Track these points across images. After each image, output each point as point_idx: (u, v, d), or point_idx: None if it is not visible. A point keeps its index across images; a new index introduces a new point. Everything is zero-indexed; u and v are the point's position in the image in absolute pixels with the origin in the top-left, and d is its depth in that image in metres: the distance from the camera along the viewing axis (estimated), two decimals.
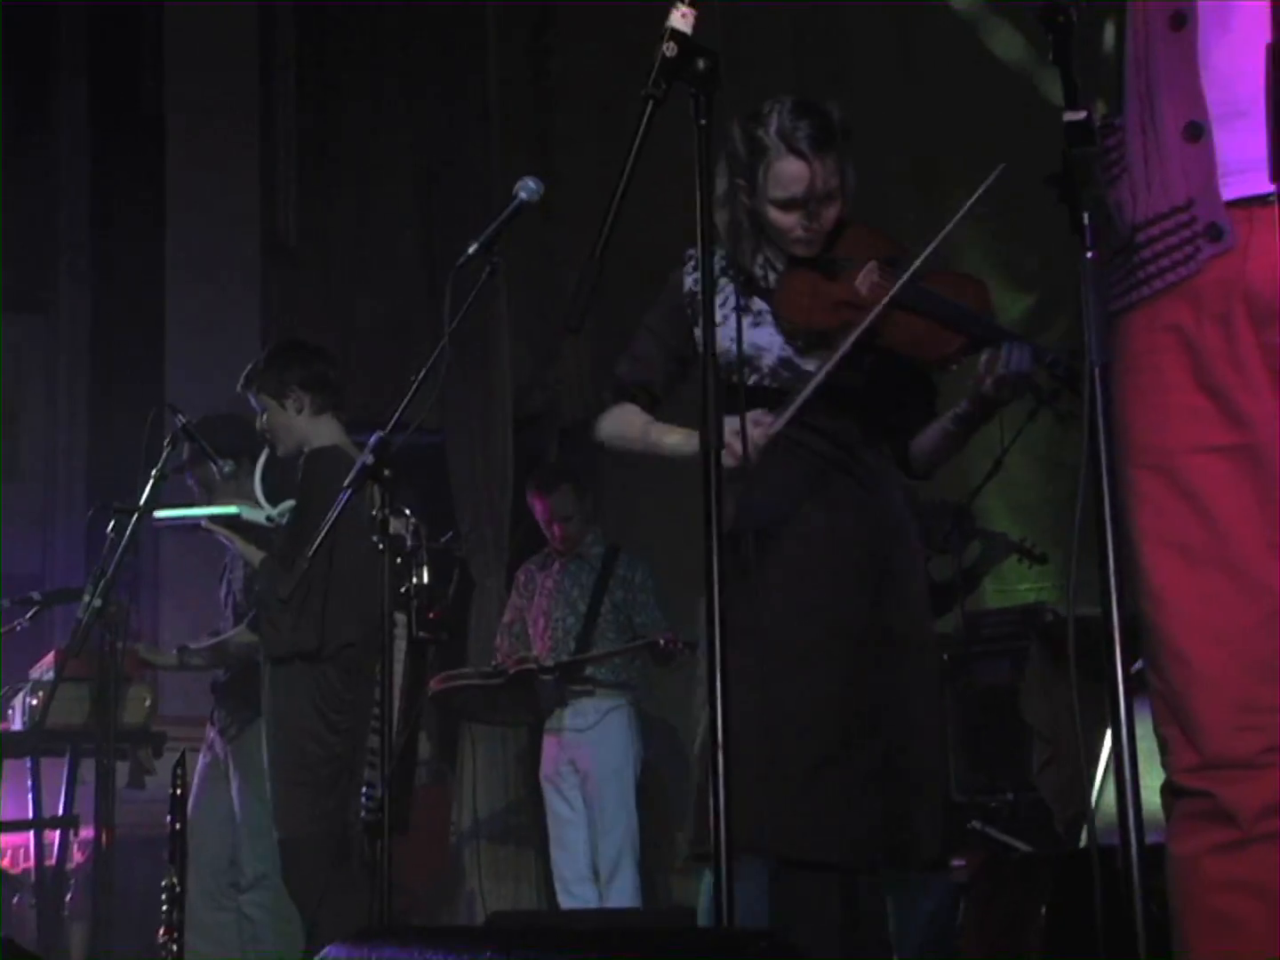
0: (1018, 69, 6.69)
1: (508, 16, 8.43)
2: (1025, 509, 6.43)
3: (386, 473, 3.54)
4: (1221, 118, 2.06)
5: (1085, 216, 1.86)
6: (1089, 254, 1.86)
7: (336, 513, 3.56)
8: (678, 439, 3.57)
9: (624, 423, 3.70)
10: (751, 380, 3.54)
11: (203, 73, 9.03)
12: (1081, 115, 1.90)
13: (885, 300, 3.40)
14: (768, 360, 3.58)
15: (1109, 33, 2.14)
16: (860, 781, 3.39)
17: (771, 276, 3.61)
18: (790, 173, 3.52)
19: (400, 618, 3.60)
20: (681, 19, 2.42)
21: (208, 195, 8.91)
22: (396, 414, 3.65)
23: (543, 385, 8.39)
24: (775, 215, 3.56)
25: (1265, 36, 2.01)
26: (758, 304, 3.61)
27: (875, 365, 3.55)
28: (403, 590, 3.53)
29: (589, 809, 6.48)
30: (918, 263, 3.38)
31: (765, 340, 3.58)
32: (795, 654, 3.43)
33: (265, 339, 8.71)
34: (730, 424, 2.90)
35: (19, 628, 5.87)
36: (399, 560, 3.53)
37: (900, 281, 3.38)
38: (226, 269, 8.91)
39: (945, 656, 6.21)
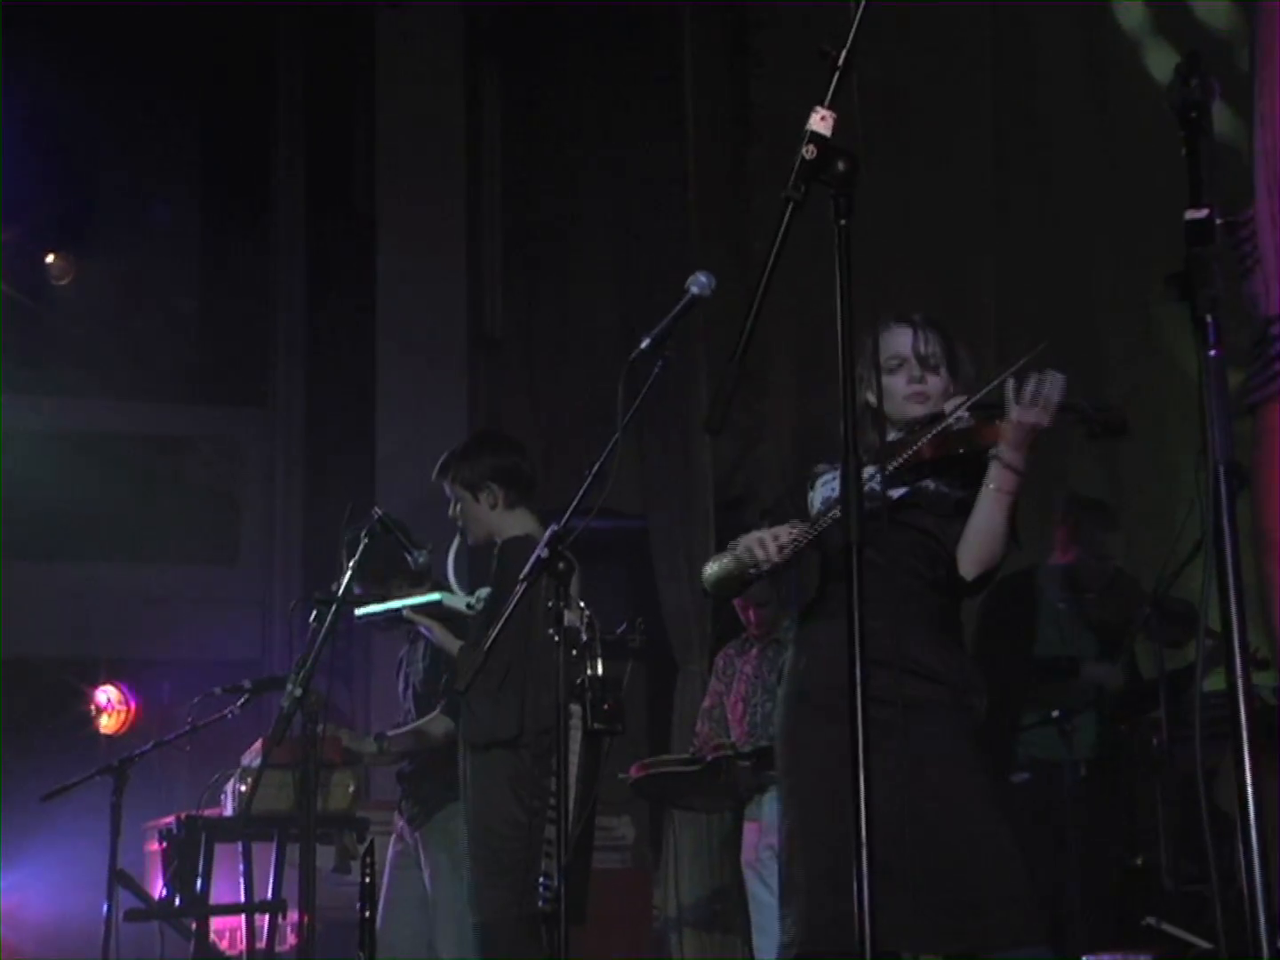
0: (1131, 37, 6.71)
1: (706, 106, 8.55)
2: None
3: (561, 565, 3.60)
4: None
5: (1207, 316, 1.84)
6: (1211, 352, 1.85)
7: (513, 605, 3.63)
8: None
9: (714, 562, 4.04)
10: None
11: (412, 171, 9.30)
12: (1203, 213, 1.89)
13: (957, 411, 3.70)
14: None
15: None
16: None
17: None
18: (896, 337, 3.94)
19: (576, 709, 3.65)
20: (821, 122, 2.45)
21: (416, 288, 9.15)
22: (572, 505, 3.71)
23: (744, 469, 8.44)
24: (887, 381, 3.89)
25: None
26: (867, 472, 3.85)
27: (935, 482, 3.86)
28: (578, 682, 3.58)
29: None
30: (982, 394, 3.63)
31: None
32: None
33: (472, 427, 8.89)
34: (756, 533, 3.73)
35: (230, 715, 6.01)
36: (574, 652, 3.58)
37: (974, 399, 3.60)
38: (434, 360, 9.13)
39: (1155, 741, 6.10)
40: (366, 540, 5.25)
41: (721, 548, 7.77)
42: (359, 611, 5.36)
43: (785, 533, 3.75)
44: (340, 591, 5.04)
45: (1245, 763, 1.79)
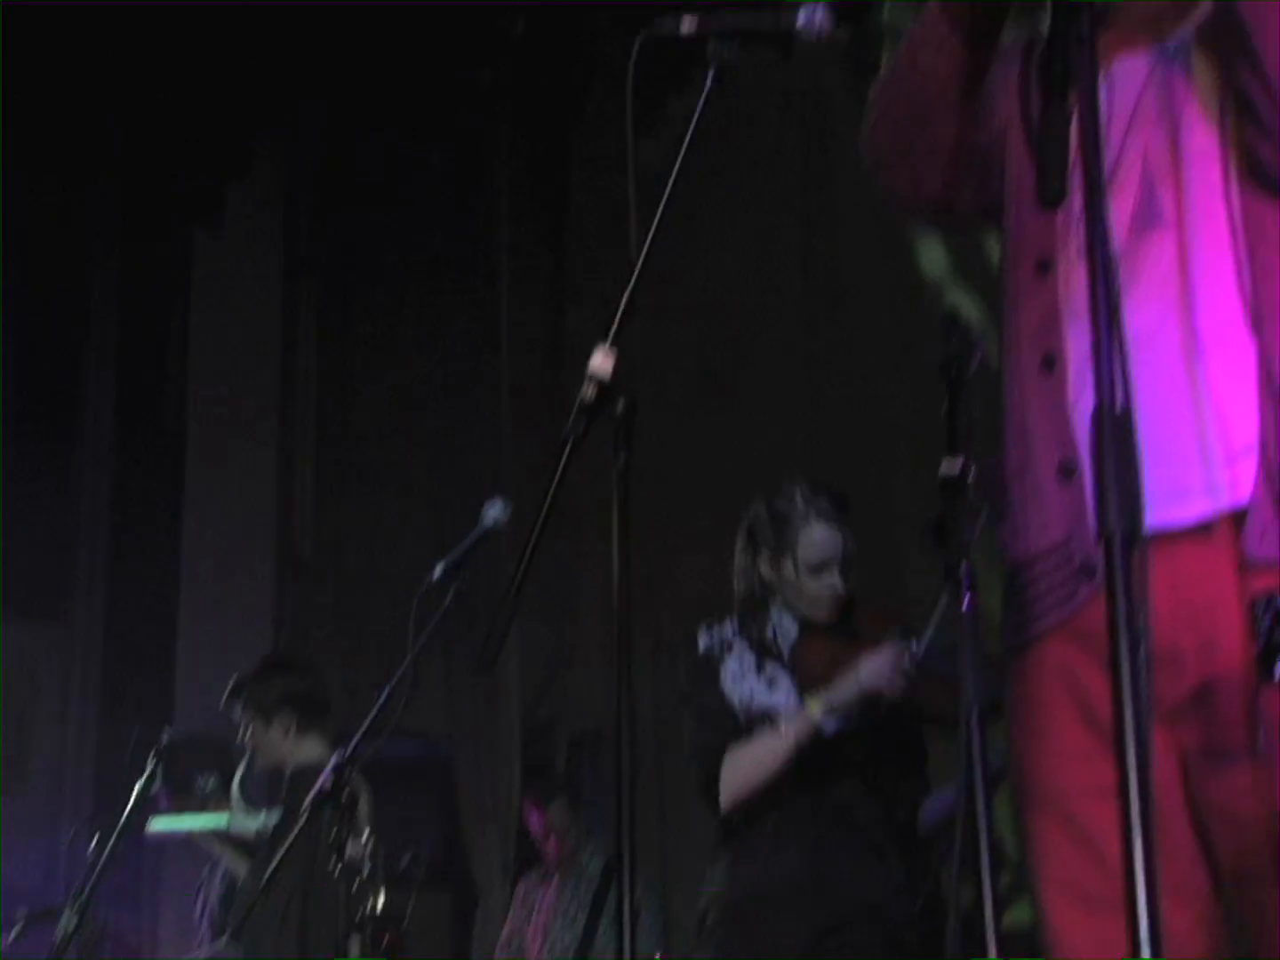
0: (933, 282, 6.92)
1: (521, 326, 8.62)
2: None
3: (345, 793, 3.55)
4: None
5: (959, 568, 1.88)
6: (964, 607, 1.88)
7: (293, 836, 3.56)
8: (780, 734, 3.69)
9: (739, 761, 3.76)
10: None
11: (225, 391, 9.27)
12: (958, 465, 1.95)
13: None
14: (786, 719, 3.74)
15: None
16: None
17: (784, 643, 3.78)
18: (823, 537, 3.80)
19: (356, 940, 3.58)
20: (602, 362, 2.48)
21: (224, 508, 9.07)
22: (359, 732, 3.67)
23: (551, 696, 8.39)
24: (808, 581, 3.80)
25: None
26: (771, 668, 3.78)
27: (878, 729, 3.75)
28: (357, 918, 3.51)
29: None
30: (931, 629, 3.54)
31: (782, 701, 3.75)
32: None
33: (277, 646, 8.78)
34: (884, 659, 3.49)
35: (4, 948, 5.78)
36: (356, 885, 3.51)
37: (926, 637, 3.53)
38: (240, 581, 9.02)
39: None
40: (155, 762, 5.14)
41: (528, 776, 7.78)
42: (148, 826, 5.24)
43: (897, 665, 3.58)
44: (124, 818, 4.91)
45: None
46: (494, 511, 3.71)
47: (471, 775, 8.11)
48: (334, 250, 9.48)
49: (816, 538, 3.78)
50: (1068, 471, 2.10)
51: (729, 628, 3.85)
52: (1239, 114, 2.11)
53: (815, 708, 3.66)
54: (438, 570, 3.70)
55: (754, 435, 7.33)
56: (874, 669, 3.59)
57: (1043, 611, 2.10)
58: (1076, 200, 2.08)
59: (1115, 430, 1.52)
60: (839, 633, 3.80)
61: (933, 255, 7.44)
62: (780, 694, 3.78)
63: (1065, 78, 1.51)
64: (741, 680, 3.77)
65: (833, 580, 3.78)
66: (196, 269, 9.44)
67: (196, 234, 9.38)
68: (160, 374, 9.62)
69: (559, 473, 2.44)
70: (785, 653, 3.80)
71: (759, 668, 3.79)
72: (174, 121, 8.35)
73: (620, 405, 2.48)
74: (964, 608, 1.90)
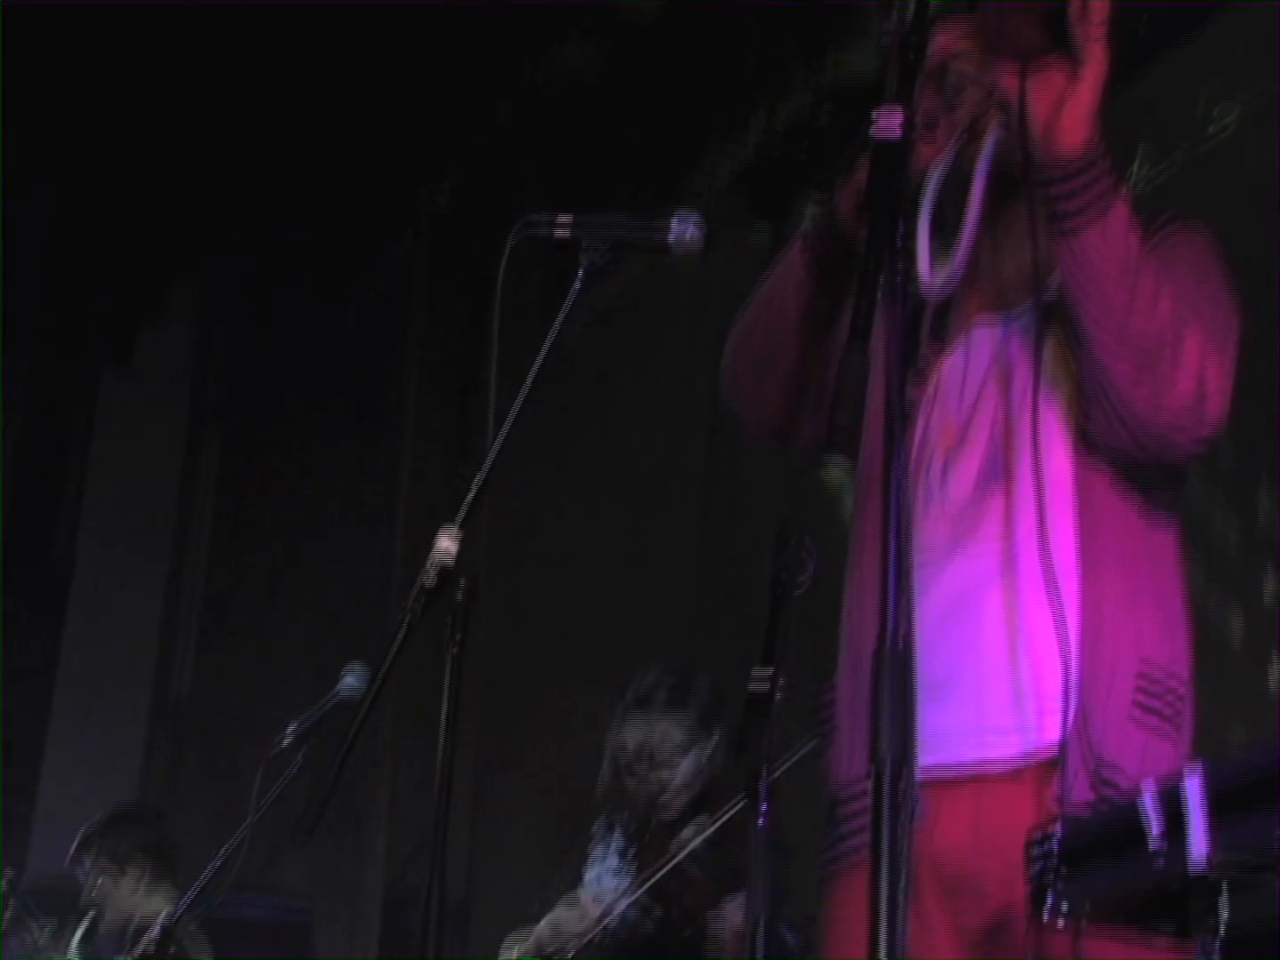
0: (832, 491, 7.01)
1: (421, 498, 8.62)
2: None
3: (172, 950, 3.51)
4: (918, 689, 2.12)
5: (757, 782, 1.92)
6: (760, 821, 1.91)
7: None
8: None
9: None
10: None
11: (116, 531, 9.18)
12: (767, 679, 1.99)
13: None
14: None
15: None
16: None
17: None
18: (627, 738, 3.83)
19: None
20: (447, 545, 2.51)
21: (104, 645, 8.95)
22: (191, 892, 3.65)
23: (417, 866, 8.30)
24: (627, 780, 3.83)
25: (956, 615, 2.15)
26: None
27: None
28: None
29: None
30: None
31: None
32: None
33: (143, 794, 8.64)
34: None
35: None
36: None
37: None
38: (112, 723, 8.88)
39: None
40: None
41: (386, 946, 7.63)
42: None
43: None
44: None
45: None
46: (351, 677, 3.70)
47: (329, 941, 7.98)
48: (240, 401, 9.50)
49: (623, 739, 3.79)
50: None
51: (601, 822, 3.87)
52: (1076, 387, 2.21)
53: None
54: (289, 733, 3.68)
55: (638, 617, 7.35)
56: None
57: (858, 844, 2.12)
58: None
59: (894, 667, 1.57)
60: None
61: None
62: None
63: (868, 320, 1.57)
64: (597, 868, 3.75)
65: (658, 776, 3.77)
66: (102, 404, 9.42)
67: (105, 370, 9.39)
68: (54, 505, 9.55)
69: (393, 652, 2.46)
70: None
71: (623, 853, 3.79)
72: (92, 260, 8.39)
73: (461, 589, 2.51)
74: (758, 821, 1.93)
